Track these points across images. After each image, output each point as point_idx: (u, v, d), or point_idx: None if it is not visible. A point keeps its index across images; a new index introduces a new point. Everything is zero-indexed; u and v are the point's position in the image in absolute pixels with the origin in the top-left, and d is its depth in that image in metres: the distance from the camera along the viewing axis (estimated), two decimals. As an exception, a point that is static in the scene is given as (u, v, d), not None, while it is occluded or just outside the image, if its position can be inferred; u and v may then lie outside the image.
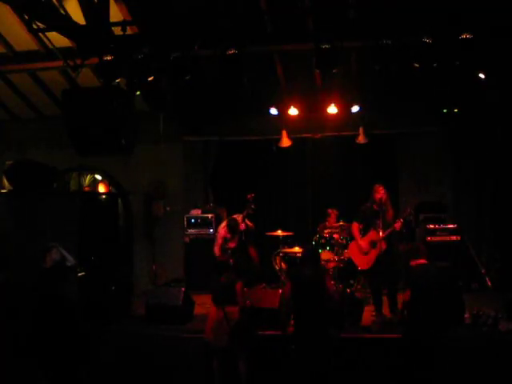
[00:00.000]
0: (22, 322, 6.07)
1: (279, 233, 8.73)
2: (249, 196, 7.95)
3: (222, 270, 6.22)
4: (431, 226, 8.72)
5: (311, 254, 6.17)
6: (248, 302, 6.27)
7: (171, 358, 6.58)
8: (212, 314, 6.09)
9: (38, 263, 6.50)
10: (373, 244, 7.17)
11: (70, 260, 6.22)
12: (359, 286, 8.40)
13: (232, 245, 7.98)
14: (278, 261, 8.70)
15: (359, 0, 7.25)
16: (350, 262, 7.88)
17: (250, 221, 8.23)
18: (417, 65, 6.60)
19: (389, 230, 7.05)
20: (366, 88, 8.86)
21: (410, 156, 9.91)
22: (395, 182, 9.85)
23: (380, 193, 7.23)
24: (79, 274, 7.58)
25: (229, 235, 8.08)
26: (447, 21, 6.58)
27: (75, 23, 6.84)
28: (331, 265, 8.30)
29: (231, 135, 10.13)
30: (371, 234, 7.24)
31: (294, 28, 7.68)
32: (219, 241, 8.17)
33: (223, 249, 8.00)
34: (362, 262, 7.36)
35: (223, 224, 8.39)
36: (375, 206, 7.30)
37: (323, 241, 8.70)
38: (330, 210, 9.07)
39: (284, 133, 9.53)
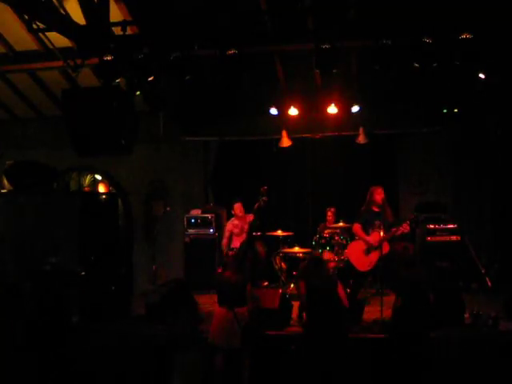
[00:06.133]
0: (19, 322, 6.10)
1: (279, 233, 8.72)
2: (262, 189, 7.81)
3: (230, 269, 6.20)
4: (431, 226, 8.71)
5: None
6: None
7: (171, 358, 6.57)
8: (218, 315, 6.05)
9: (37, 263, 6.53)
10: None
11: None
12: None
13: (237, 243, 8.08)
14: (278, 261, 8.70)
15: (359, 0, 7.25)
16: (350, 263, 7.86)
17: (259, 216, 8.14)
18: (417, 65, 6.60)
19: (395, 232, 7.03)
20: (365, 88, 8.86)
21: (410, 156, 9.92)
22: (395, 182, 9.86)
23: (381, 194, 7.26)
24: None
25: (235, 230, 8.18)
26: (447, 21, 6.58)
27: (75, 23, 6.85)
28: (331, 265, 8.29)
29: (231, 135, 10.13)
30: (373, 235, 7.24)
31: (294, 28, 7.67)
32: (226, 233, 8.36)
33: (229, 245, 8.14)
34: (363, 264, 7.35)
35: (233, 218, 8.45)
36: (375, 208, 7.30)
37: (323, 241, 8.70)
38: (327, 210, 9.09)
39: (284, 133, 9.53)
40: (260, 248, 8.16)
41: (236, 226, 8.28)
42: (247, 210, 8.15)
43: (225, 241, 8.33)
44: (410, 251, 6.04)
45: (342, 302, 5.91)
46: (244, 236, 7.98)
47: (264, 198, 7.77)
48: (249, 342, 5.95)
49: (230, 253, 6.80)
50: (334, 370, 5.59)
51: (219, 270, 6.40)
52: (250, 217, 7.96)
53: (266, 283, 8.45)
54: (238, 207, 8.28)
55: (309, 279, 5.89)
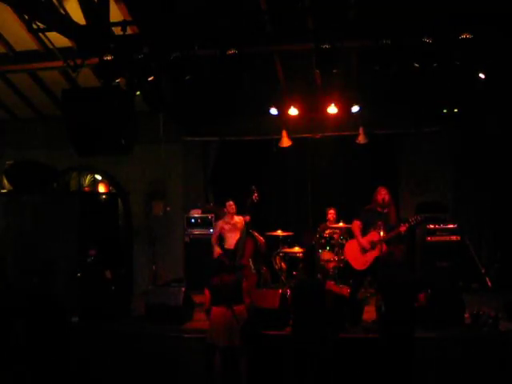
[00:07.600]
0: (19, 322, 6.10)
1: (279, 233, 8.71)
2: (253, 187, 8.01)
3: (224, 269, 6.21)
4: (431, 226, 8.70)
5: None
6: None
7: (171, 357, 6.58)
8: (216, 314, 6.07)
9: (37, 263, 6.54)
10: (372, 245, 7.17)
11: None
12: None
13: (231, 241, 8.16)
14: (277, 261, 8.69)
15: (359, 0, 7.25)
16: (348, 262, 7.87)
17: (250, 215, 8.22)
18: (417, 65, 6.60)
19: (393, 233, 7.04)
20: (365, 88, 8.86)
21: (410, 156, 9.91)
22: (395, 182, 9.83)
23: (381, 194, 7.25)
24: (79, 274, 7.62)
25: (226, 226, 8.23)
26: (447, 21, 6.58)
27: (75, 23, 6.86)
28: (331, 265, 8.30)
29: (231, 135, 10.12)
30: (372, 235, 7.24)
31: (294, 28, 7.67)
32: (216, 230, 8.37)
33: (220, 244, 8.24)
34: (359, 263, 7.34)
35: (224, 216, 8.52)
36: (378, 208, 7.30)
37: (323, 241, 8.70)
38: (327, 210, 9.10)
39: (284, 133, 9.53)
40: (257, 235, 8.23)
41: (227, 223, 8.31)
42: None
43: (214, 238, 8.30)
44: (395, 255, 6.01)
45: (330, 302, 5.94)
46: (237, 233, 8.12)
47: (255, 194, 7.86)
48: (248, 340, 5.96)
49: (222, 257, 6.86)
50: (324, 369, 5.62)
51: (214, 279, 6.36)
52: (247, 218, 8.07)
53: (265, 269, 8.45)
54: (230, 205, 8.33)
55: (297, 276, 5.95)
